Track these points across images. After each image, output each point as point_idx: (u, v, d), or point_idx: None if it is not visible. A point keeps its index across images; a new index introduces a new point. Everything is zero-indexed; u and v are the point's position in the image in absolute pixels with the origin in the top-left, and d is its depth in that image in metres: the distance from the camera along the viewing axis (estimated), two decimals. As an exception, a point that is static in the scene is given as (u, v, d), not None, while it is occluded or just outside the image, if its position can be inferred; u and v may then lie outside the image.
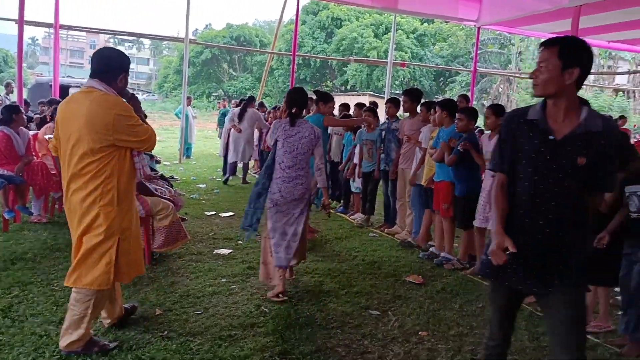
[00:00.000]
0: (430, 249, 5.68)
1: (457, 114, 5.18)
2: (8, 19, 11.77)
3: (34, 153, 6.36)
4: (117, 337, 3.25)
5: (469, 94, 14.34)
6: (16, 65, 12.31)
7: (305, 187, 4.27)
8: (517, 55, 35.86)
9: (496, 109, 4.91)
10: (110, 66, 3.01)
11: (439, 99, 6.07)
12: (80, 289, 2.99)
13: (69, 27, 12.68)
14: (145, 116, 3.55)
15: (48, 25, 11.80)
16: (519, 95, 34.81)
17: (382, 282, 4.65)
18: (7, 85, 12.27)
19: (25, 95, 10.88)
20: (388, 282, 4.68)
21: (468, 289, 4.61)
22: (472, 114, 5.16)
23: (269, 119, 10.69)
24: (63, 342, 3.02)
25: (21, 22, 9.58)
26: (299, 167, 4.22)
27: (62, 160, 3.01)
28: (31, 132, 6.58)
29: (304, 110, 4.77)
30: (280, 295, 4.08)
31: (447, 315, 3.97)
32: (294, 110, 4.29)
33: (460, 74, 36.20)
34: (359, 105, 7.92)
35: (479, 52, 19.20)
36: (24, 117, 6.33)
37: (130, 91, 3.23)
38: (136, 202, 4.59)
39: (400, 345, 3.44)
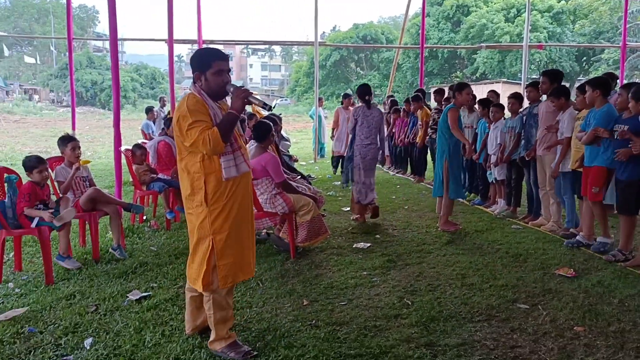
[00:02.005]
0: (577, 237, 5.31)
1: (632, 98, 4.62)
2: (158, 40, 13.06)
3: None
4: (270, 325, 3.48)
5: (618, 72, 13.10)
6: (166, 82, 13.55)
7: (376, 150, 6.37)
8: (675, 24, 31.81)
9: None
10: (192, 68, 3.01)
11: (582, 81, 5.61)
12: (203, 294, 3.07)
13: (210, 42, 13.74)
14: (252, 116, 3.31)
15: (192, 41, 12.89)
16: (680, 69, 30.89)
17: (529, 275, 4.44)
18: (161, 100, 13.62)
19: (176, 108, 11.98)
20: (536, 275, 4.45)
21: (628, 282, 4.22)
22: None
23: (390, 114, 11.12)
24: (209, 342, 3.14)
25: (171, 41, 10.58)
26: (372, 137, 6.32)
27: None
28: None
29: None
30: (357, 219, 6.40)
31: (606, 310, 3.69)
32: (367, 98, 6.39)
33: (606, 51, 33.01)
34: (494, 92, 7.70)
35: (628, 25, 17.41)
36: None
37: (242, 87, 3.01)
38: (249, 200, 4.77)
39: (553, 340, 3.27)
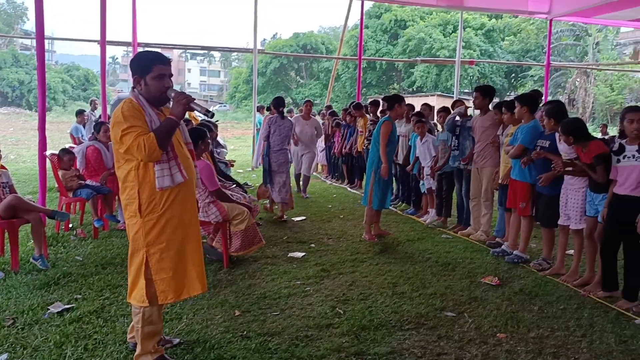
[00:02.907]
0: (502, 246, 5.55)
1: (545, 116, 4.95)
2: (91, 40, 12.61)
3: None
4: (200, 337, 3.41)
5: (542, 89, 13.84)
6: (99, 84, 13.09)
7: (286, 155, 7.33)
8: (595, 46, 34.01)
9: (552, 113, 4.81)
10: (131, 71, 2.94)
11: (511, 97, 5.88)
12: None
13: (146, 45, 13.38)
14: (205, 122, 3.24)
15: (127, 44, 12.53)
16: (598, 89, 32.99)
17: (457, 284, 4.59)
18: (92, 102, 13.12)
19: (108, 111, 11.58)
20: (463, 283, 4.61)
21: (548, 290, 4.45)
22: (559, 112, 4.92)
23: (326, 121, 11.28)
24: (135, 355, 3.02)
25: (103, 43, 10.23)
26: (284, 144, 7.26)
27: None
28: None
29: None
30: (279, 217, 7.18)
31: (526, 317, 3.86)
32: (280, 109, 7.37)
33: (532, 68, 34.85)
34: (427, 105, 7.98)
35: (552, 45, 18.45)
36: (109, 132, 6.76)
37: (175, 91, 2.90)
38: (203, 211, 4.79)
39: (477, 347, 3.39)
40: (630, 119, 4.01)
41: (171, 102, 2.88)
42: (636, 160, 3.97)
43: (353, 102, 10.60)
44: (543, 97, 10.61)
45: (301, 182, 9.30)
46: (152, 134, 2.73)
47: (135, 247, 2.87)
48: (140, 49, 12.21)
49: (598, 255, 4.39)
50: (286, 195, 7.20)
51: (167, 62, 2.91)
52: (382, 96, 7.18)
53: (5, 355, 3.09)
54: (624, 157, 4.07)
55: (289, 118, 7.84)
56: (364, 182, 10.04)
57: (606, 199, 4.21)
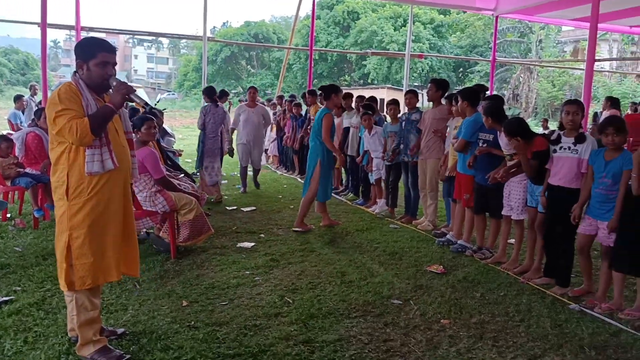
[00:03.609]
0: (447, 235, 5.72)
1: (483, 114, 5.06)
2: (31, 22, 12.04)
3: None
4: (146, 328, 3.36)
5: (488, 84, 14.24)
6: (39, 68, 12.54)
7: (219, 141, 7.79)
8: (538, 43, 35.26)
9: (489, 111, 4.94)
10: (75, 55, 2.93)
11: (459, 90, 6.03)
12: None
13: (90, 29, 12.89)
14: (145, 112, 3.29)
15: (69, 27, 12.05)
16: (540, 84, 34.27)
17: (404, 272, 4.70)
18: (32, 88, 12.57)
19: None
20: (409, 272, 4.72)
21: (489, 277, 4.62)
22: (496, 111, 5.05)
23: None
24: (77, 346, 2.98)
25: (44, 25, 9.78)
26: (217, 131, 7.74)
27: None
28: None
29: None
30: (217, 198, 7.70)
31: (469, 304, 4.00)
32: (214, 98, 7.84)
33: (479, 64, 35.82)
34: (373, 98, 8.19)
35: (498, 41, 19.00)
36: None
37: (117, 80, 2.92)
38: (151, 199, 4.70)
39: (422, 332, 3.49)
40: (567, 111, 4.21)
41: (111, 91, 2.91)
42: (571, 152, 4.17)
43: (301, 93, 10.64)
44: (488, 92, 10.92)
45: (247, 176, 8.96)
46: (86, 118, 2.75)
47: (60, 230, 2.88)
48: (83, 34, 11.77)
49: (538, 244, 4.59)
50: (216, 177, 7.79)
51: (112, 50, 2.93)
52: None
53: (-64, 351, 2.95)
54: (560, 148, 4.26)
55: (222, 106, 8.21)
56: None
57: (542, 188, 4.40)
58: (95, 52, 2.86)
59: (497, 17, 13.24)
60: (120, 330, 3.27)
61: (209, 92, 7.98)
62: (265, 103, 12.60)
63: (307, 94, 9.94)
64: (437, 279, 4.56)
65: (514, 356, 3.20)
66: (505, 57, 34.11)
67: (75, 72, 2.92)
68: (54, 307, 3.63)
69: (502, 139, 4.84)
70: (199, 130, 7.97)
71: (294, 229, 6.10)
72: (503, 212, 4.97)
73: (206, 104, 7.87)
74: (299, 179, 10.16)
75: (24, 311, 3.54)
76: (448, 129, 6.01)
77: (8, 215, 6.02)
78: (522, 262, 4.87)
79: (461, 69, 41.25)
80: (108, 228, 2.94)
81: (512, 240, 5.10)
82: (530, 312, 3.87)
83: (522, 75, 35.66)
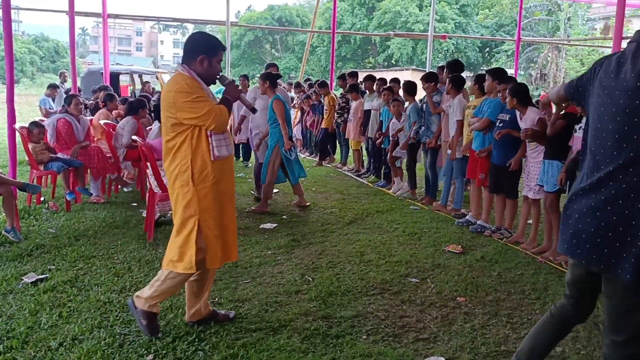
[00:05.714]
0: (467, 216, 5.76)
1: (508, 94, 4.97)
2: (59, 11, 12.32)
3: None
4: (173, 304, 3.52)
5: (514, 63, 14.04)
6: (69, 56, 12.84)
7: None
8: (567, 21, 34.36)
9: (516, 92, 4.85)
10: (187, 49, 3.05)
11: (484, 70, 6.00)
12: (165, 270, 3.04)
13: (116, 16, 13.15)
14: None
15: (97, 15, 12.27)
16: (569, 64, 33.48)
17: (422, 252, 4.78)
18: (61, 75, 12.90)
19: (78, 84, 11.39)
20: (428, 251, 4.80)
21: (507, 257, 4.68)
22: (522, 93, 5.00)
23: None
24: (136, 294, 3.14)
25: (72, 13, 10.03)
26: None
27: None
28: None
29: None
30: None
31: (485, 282, 4.08)
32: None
33: (506, 43, 35.14)
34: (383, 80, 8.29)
35: (525, 20, 18.62)
36: (81, 104, 6.70)
37: (230, 77, 3.21)
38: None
39: (437, 309, 3.58)
40: None
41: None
42: None
43: (318, 81, 10.69)
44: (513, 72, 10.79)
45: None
46: (222, 106, 3.01)
47: (188, 215, 2.96)
48: (110, 21, 12.00)
49: (554, 224, 4.61)
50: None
51: (225, 50, 3.18)
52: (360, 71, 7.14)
53: (-20, 323, 3.16)
54: (579, 128, 4.26)
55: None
56: (337, 156, 10.20)
57: (563, 167, 4.40)
58: (218, 49, 3.05)
59: (522, -5, 13.02)
60: (232, 314, 3.38)
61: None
62: (287, 87, 12.42)
63: (318, 87, 10.16)
64: (454, 258, 4.64)
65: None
66: (533, 36, 33.37)
67: (184, 63, 3.03)
68: (86, 285, 3.83)
69: (525, 120, 4.82)
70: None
71: (250, 209, 6.20)
72: (523, 193, 5.00)
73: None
74: (323, 163, 10.24)
75: (58, 288, 3.75)
76: (450, 109, 6.02)
77: (42, 198, 6.27)
78: (542, 242, 4.90)
79: (487, 49, 40.55)
80: (227, 210, 3.12)
81: (531, 221, 5.13)
82: (546, 290, 3.93)
83: (550, 54, 34.87)
